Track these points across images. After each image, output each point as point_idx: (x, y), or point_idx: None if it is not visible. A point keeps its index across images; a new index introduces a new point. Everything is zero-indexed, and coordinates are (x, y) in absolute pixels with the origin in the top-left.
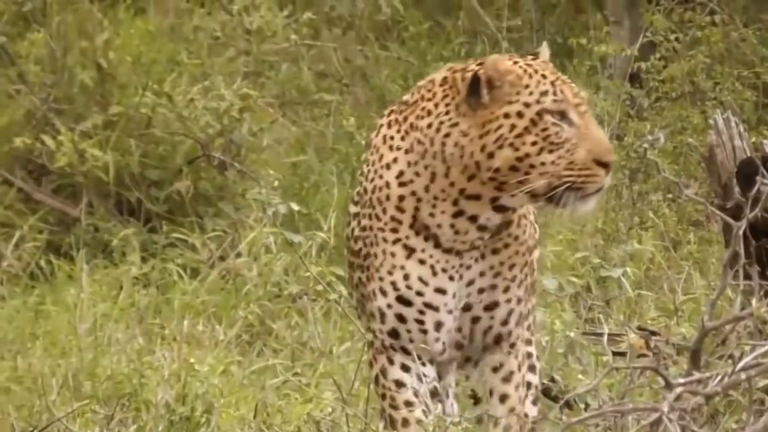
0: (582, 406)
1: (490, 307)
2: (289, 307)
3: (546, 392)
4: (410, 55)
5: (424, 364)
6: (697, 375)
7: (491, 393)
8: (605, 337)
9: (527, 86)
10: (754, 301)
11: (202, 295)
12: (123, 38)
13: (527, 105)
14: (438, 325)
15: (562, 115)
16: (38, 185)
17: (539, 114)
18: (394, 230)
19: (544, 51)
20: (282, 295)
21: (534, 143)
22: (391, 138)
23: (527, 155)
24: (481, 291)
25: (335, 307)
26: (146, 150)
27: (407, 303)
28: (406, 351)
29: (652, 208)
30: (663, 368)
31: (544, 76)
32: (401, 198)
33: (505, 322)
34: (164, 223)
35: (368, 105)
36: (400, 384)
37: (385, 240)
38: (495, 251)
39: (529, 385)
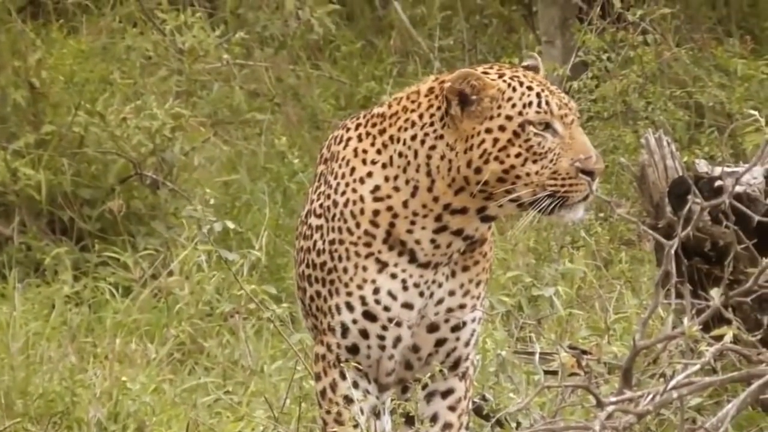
0: (513, 424)
1: (457, 327)
2: (220, 325)
3: (477, 411)
4: (342, 75)
5: (369, 382)
6: (628, 394)
7: (435, 418)
8: (537, 356)
9: (510, 99)
10: (685, 320)
11: (134, 313)
12: (55, 58)
13: (509, 118)
14: (397, 341)
15: (546, 126)
16: None
17: (521, 126)
18: (367, 244)
19: (537, 60)
20: (214, 313)
21: (518, 155)
22: (365, 151)
23: (512, 167)
24: (449, 310)
25: (267, 326)
26: (78, 169)
27: (373, 318)
28: (358, 368)
29: (584, 227)
30: (594, 387)
31: (529, 88)
32: (376, 213)
33: (467, 344)
34: (96, 241)
35: (300, 124)
36: (349, 400)
37: (357, 254)
38: (465, 268)
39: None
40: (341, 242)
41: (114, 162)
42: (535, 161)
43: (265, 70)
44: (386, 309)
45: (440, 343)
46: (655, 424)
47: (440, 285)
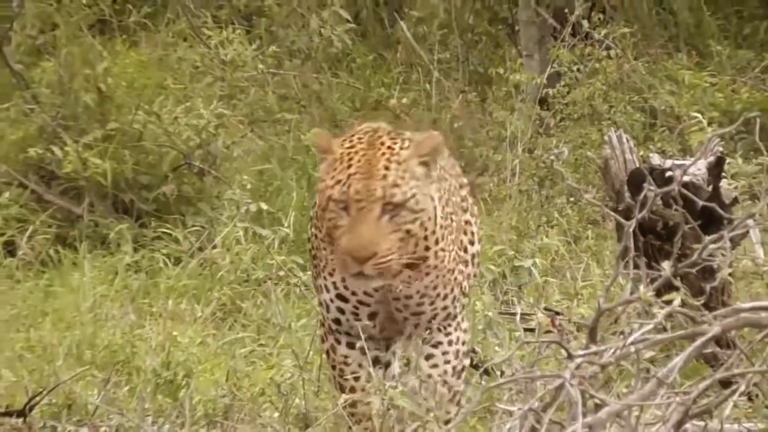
0: (498, 373)
1: (418, 314)
2: (255, 289)
3: (470, 362)
4: (357, 82)
5: (366, 339)
6: (594, 348)
7: (425, 358)
8: (518, 317)
9: (335, 170)
10: (641, 287)
11: (183, 279)
12: (119, 67)
13: (326, 187)
14: (372, 315)
15: (344, 205)
16: (48, 188)
17: (329, 198)
18: (330, 243)
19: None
20: (250, 279)
21: (330, 219)
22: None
23: (328, 227)
24: (406, 307)
25: (294, 290)
26: (138, 159)
27: (344, 300)
28: (349, 333)
29: (557, 209)
30: (565, 342)
31: (349, 166)
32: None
33: (432, 319)
34: (152, 219)
35: (322, 123)
36: (346, 358)
37: (325, 248)
38: (419, 278)
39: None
40: (315, 237)
41: (167, 153)
42: (335, 228)
43: (293, 78)
44: (354, 294)
45: (405, 319)
46: (616, 374)
47: (399, 289)
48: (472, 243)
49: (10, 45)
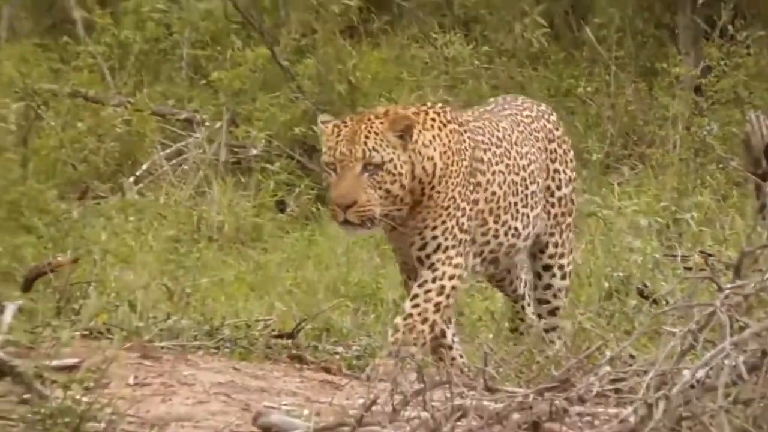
0: (664, 302)
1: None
2: None
3: (641, 293)
4: (551, 75)
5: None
6: (738, 282)
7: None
8: (678, 258)
9: (327, 141)
10: None
11: None
12: (365, 63)
13: (322, 154)
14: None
15: (332, 167)
16: (310, 158)
17: (323, 162)
18: None
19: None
20: None
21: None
22: None
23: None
24: (412, 244)
25: None
26: None
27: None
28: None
29: (709, 173)
30: (716, 278)
31: (337, 134)
32: None
33: (423, 248)
34: None
35: None
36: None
37: None
38: (412, 217)
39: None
40: None
41: None
42: (328, 187)
43: (501, 72)
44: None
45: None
46: (756, 302)
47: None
48: (558, 188)
49: (278, 46)
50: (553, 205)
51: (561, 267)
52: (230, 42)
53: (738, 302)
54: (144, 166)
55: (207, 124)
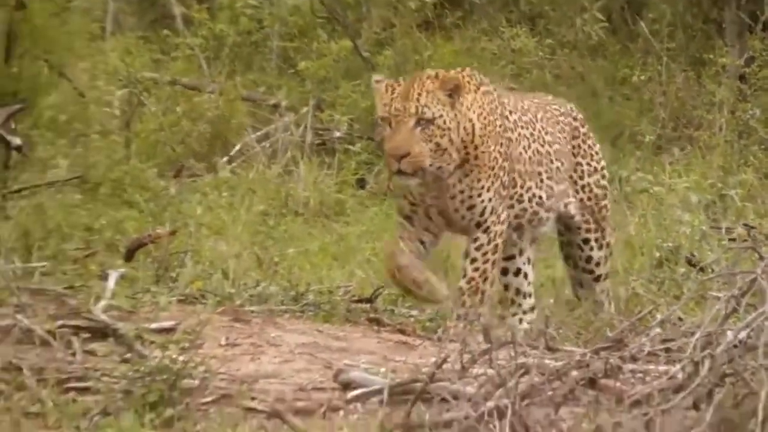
0: (710, 270)
1: (471, 207)
2: None
3: (689, 262)
4: (609, 65)
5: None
6: None
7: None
8: (723, 230)
9: (382, 98)
10: None
11: None
12: (439, 54)
13: (377, 109)
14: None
15: (387, 121)
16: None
17: (378, 116)
18: None
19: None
20: None
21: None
22: None
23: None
24: (462, 202)
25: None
26: None
27: None
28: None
29: (752, 153)
30: (758, 248)
31: (392, 92)
32: None
33: (472, 208)
34: None
35: (583, 96)
36: None
37: None
38: (467, 174)
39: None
40: None
41: None
42: (383, 140)
43: (563, 62)
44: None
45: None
46: None
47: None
48: (581, 178)
49: (360, 38)
50: (577, 192)
51: (597, 240)
52: (316, 35)
53: None
54: (236, 147)
55: (293, 110)
